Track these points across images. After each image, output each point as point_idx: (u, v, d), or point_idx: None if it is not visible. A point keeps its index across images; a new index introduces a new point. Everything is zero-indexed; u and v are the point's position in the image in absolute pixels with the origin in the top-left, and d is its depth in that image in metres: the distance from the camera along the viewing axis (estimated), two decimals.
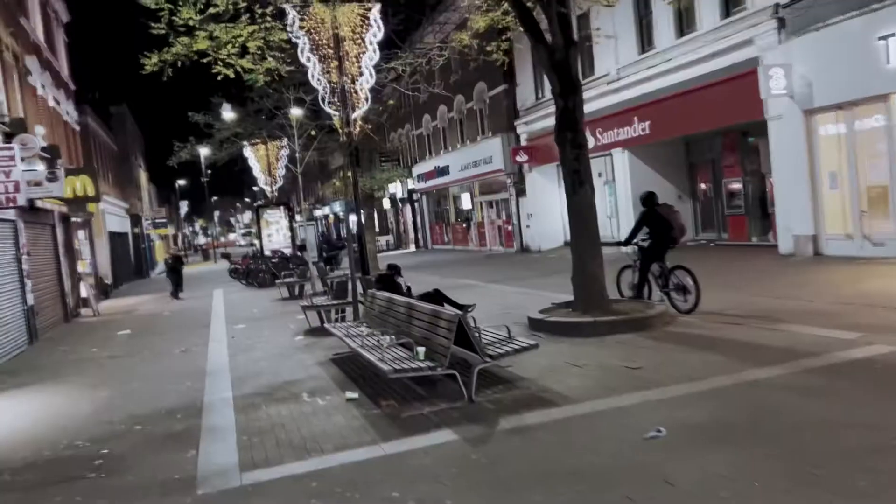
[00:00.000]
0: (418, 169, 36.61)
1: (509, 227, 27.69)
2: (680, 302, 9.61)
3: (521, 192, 25.99)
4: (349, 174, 27.16)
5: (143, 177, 51.17)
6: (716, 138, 18.47)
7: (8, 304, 13.57)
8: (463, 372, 6.43)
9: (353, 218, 56.94)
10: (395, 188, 40.38)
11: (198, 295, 22.84)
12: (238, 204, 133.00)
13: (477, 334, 6.46)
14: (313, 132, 22.23)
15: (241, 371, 9.36)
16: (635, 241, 10.10)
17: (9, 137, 13.97)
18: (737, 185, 18.42)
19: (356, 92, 14.39)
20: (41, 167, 14.94)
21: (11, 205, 10.44)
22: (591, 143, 21.74)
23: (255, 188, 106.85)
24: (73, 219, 21.83)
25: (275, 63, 12.36)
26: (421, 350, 6.50)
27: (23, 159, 14.17)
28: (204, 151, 55.99)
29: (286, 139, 37.44)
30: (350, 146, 14.04)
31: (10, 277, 13.88)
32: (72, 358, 12.35)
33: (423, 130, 36.56)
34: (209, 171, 68.55)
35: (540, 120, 23.78)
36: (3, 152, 10.38)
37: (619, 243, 10.61)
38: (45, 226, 17.67)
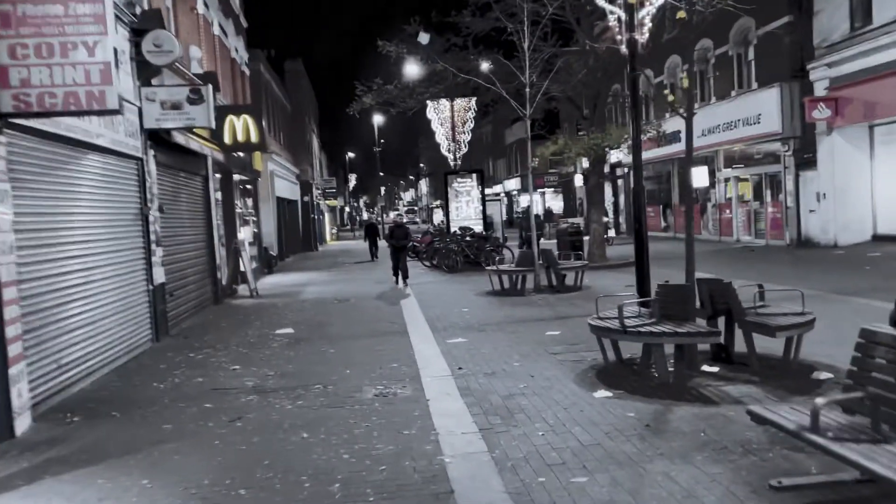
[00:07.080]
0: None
1: (776, 212, 20.56)
2: None
3: (805, 163, 18.79)
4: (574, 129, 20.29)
5: (315, 142, 48.19)
6: None
7: (123, 281, 8.88)
8: None
9: (525, 198, 49.85)
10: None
11: (378, 277, 17.96)
12: (402, 181, 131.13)
13: None
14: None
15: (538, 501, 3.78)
16: None
17: (138, 35, 9.35)
18: None
19: None
20: (182, 87, 10.35)
21: (97, 105, 5.54)
22: None
23: (421, 165, 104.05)
24: (236, 176, 17.61)
25: None
26: None
27: (153, 68, 9.55)
28: (378, 119, 52.19)
29: (474, 99, 32.14)
30: (632, 60, 9.10)
31: (128, 243, 9.18)
32: (198, 384, 7.38)
33: (642, 89, 29.74)
34: (382, 141, 65.51)
35: (857, 58, 16.49)
36: (82, 6, 5.47)
37: None
38: (193, 175, 13.06)
